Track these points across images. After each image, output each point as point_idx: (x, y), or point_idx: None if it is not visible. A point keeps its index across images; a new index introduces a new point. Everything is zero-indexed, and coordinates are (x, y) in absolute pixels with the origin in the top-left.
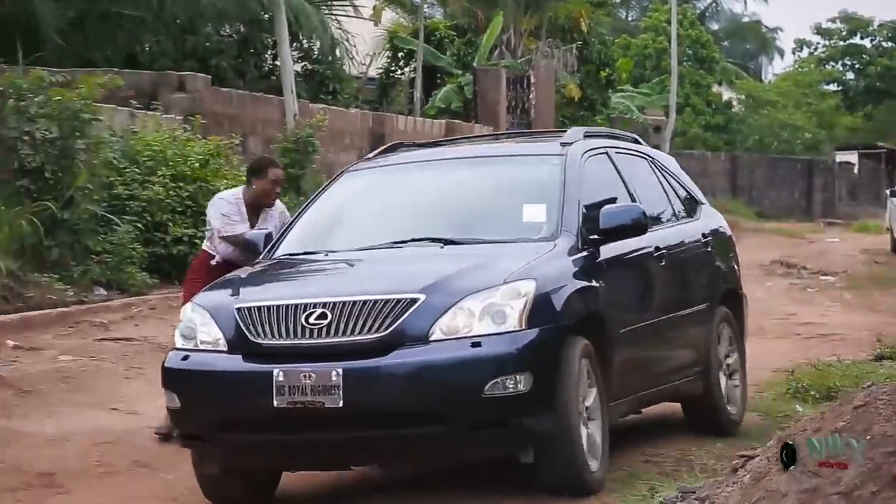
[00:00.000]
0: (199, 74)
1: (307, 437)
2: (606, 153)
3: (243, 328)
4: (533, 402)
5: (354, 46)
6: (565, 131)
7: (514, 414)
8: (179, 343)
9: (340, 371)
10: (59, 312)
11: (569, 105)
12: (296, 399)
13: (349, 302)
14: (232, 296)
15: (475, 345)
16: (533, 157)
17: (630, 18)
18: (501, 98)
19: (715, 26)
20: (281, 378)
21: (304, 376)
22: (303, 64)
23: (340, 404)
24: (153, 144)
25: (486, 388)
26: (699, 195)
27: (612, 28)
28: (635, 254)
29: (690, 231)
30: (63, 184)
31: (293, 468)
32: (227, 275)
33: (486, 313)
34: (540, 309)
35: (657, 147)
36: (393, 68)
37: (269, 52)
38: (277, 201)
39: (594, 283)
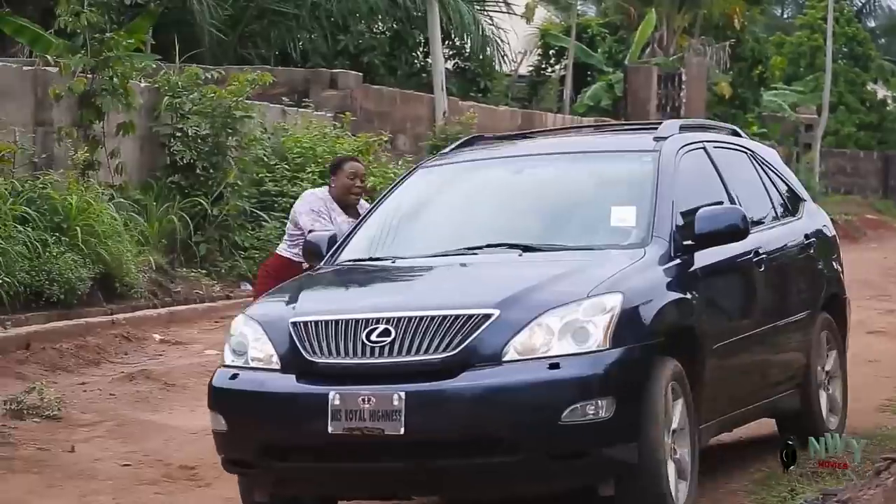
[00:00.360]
0: (351, 72)
1: (365, 465)
2: (704, 148)
3: (298, 345)
4: (616, 429)
5: (506, 44)
6: (659, 124)
7: (595, 443)
8: (229, 359)
9: (403, 394)
10: (205, 307)
11: (720, 103)
12: (353, 425)
13: (415, 317)
14: (287, 307)
15: (553, 366)
16: (623, 153)
17: (785, 16)
18: (652, 96)
19: (872, 23)
20: (337, 402)
21: (363, 400)
22: (454, 61)
23: (402, 431)
24: (303, 141)
25: (565, 414)
26: (802, 191)
27: (766, 26)
28: (733, 260)
29: (792, 232)
30: (214, 180)
31: (349, 497)
32: (285, 283)
33: (566, 331)
34: (626, 326)
35: (808, 146)
36: (543, 66)
37: (420, 50)
38: (363, 201)
39: (687, 296)
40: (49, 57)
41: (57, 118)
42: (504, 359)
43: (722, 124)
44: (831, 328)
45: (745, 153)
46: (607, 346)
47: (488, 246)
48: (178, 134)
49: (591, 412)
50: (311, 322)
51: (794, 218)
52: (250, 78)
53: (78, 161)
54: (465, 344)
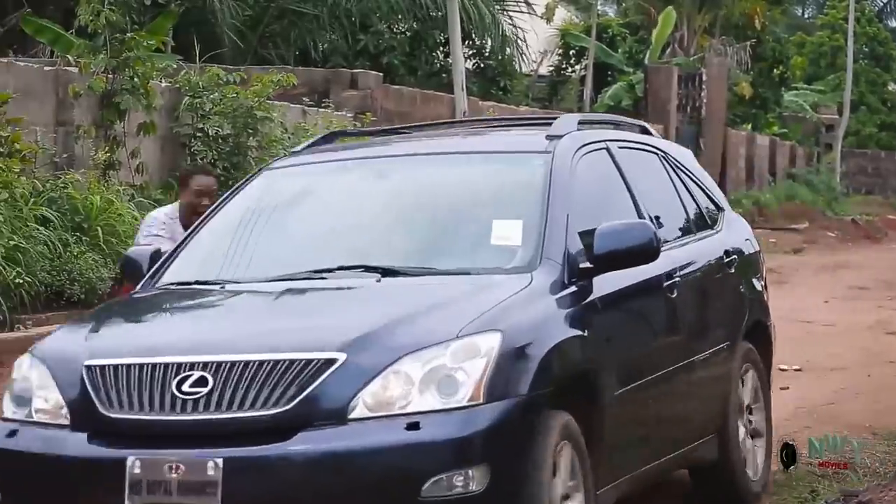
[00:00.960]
0: (372, 72)
1: None
2: (606, 148)
3: (92, 395)
4: None
5: (525, 43)
6: (555, 118)
7: None
8: (9, 411)
9: (220, 461)
10: None
11: (741, 103)
12: (156, 500)
13: (240, 363)
14: (84, 345)
15: (412, 426)
16: (509, 154)
17: (806, 16)
18: (672, 96)
19: (893, 23)
20: (137, 469)
21: (170, 468)
22: (474, 61)
23: None
24: None
25: (426, 487)
26: (722, 200)
27: (787, 25)
28: (640, 286)
29: (710, 248)
30: (234, 180)
31: None
32: (85, 313)
33: (429, 380)
34: (506, 374)
35: (829, 146)
36: (564, 66)
37: (440, 49)
38: None
39: (584, 333)
40: (70, 57)
41: (78, 118)
42: (351, 416)
43: (630, 120)
44: (754, 361)
45: (657, 154)
46: (481, 401)
47: (340, 269)
48: (199, 134)
49: (460, 484)
50: (108, 366)
51: (712, 231)
52: (275, 79)
53: (99, 161)
54: (302, 397)
